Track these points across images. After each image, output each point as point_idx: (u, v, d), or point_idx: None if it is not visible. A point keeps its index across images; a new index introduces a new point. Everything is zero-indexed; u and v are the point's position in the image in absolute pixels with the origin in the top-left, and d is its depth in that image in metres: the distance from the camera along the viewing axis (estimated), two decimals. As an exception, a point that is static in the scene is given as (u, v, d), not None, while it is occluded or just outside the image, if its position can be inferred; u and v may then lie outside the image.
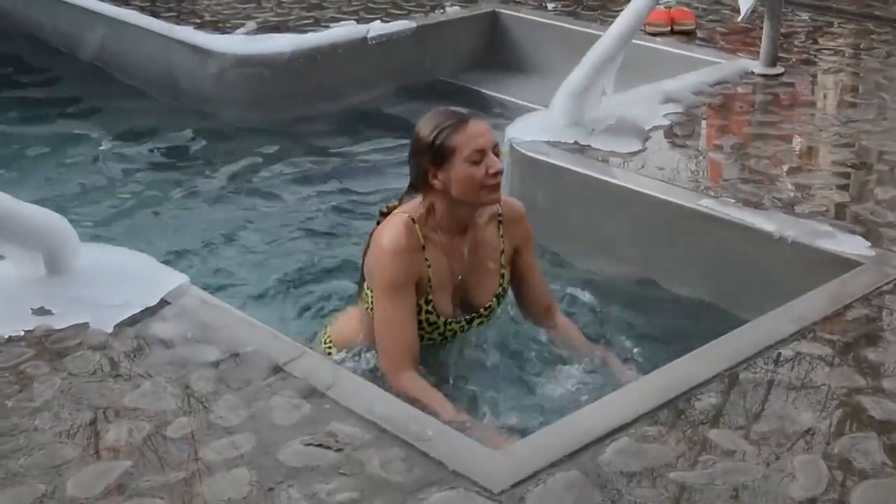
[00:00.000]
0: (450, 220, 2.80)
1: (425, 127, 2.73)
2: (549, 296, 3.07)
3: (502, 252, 2.91)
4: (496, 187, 2.75)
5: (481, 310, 2.90)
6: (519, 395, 2.85)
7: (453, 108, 2.76)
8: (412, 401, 2.61)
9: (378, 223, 2.85)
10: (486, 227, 2.88)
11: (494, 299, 2.92)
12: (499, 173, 2.72)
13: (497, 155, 2.73)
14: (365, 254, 2.87)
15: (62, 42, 6.11)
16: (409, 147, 2.80)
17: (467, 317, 2.89)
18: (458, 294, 2.87)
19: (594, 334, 3.11)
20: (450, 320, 2.84)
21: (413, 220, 2.77)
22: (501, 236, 2.91)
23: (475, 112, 2.75)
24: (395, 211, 2.83)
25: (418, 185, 2.79)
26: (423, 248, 2.77)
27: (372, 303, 2.79)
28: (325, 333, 3.05)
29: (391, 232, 2.75)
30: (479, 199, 2.75)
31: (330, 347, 2.98)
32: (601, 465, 2.18)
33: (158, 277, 2.89)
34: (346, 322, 3.02)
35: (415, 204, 2.82)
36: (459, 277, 2.85)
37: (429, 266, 2.78)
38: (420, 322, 2.79)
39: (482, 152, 2.68)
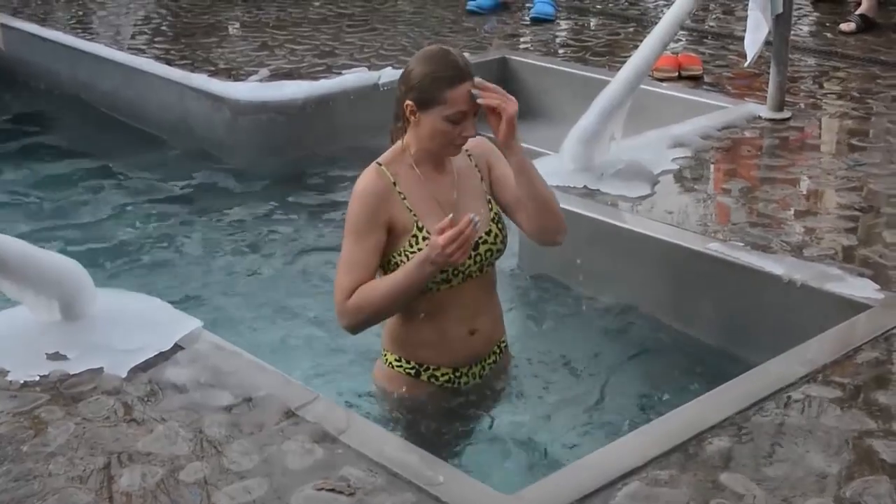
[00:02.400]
0: (423, 154, 2.81)
1: (422, 65, 2.72)
2: None
3: (482, 179, 2.90)
4: (460, 147, 2.79)
5: (483, 235, 2.83)
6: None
7: (454, 53, 2.73)
8: (374, 306, 2.70)
9: None
10: (458, 159, 2.87)
11: (493, 224, 2.86)
12: (468, 138, 2.75)
13: (475, 116, 2.73)
14: None
15: (78, 90, 6.16)
16: (399, 76, 2.79)
17: (471, 243, 2.75)
18: (456, 222, 2.76)
19: (603, 375, 3.10)
20: None
21: (379, 163, 2.81)
22: (475, 166, 2.91)
23: (470, 67, 2.71)
24: (378, 161, 2.84)
25: (398, 113, 2.80)
26: (395, 184, 2.78)
27: (394, 269, 2.79)
28: (382, 351, 3.01)
29: (360, 179, 2.80)
30: (441, 150, 2.79)
31: (386, 356, 2.96)
32: (613, 509, 2.17)
33: (172, 322, 2.90)
34: (392, 319, 2.93)
35: (389, 150, 2.85)
36: (452, 205, 2.81)
37: (404, 198, 2.78)
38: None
39: (464, 114, 2.70)
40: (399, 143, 2.85)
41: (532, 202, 2.82)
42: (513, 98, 2.73)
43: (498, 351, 3.01)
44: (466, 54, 5.77)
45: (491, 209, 2.89)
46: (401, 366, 2.92)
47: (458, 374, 2.92)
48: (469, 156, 2.90)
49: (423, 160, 2.82)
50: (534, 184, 2.81)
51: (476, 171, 2.91)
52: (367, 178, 2.79)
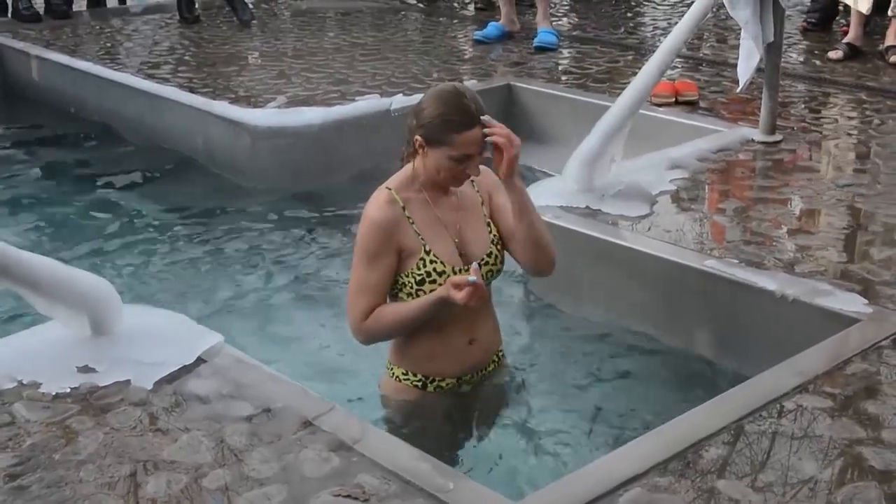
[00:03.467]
0: (429, 180, 2.83)
1: (434, 105, 2.73)
2: None
3: (482, 203, 2.92)
4: (463, 182, 2.82)
5: (484, 256, 2.86)
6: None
7: (468, 97, 2.72)
8: (387, 329, 2.81)
9: None
10: (464, 185, 2.89)
11: (493, 246, 2.89)
12: (473, 176, 2.78)
13: (481, 154, 2.75)
14: None
15: (106, 117, 6.18)
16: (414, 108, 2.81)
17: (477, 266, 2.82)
18: (460, 245, 2.86)
19: (602, 386, 3.10)
20: (458, 268, 2.81)
21: (388, 188, 2.83)
22: (478, 191, 2.93)
23: (482, 111, 2.71)
24: (386, 187, 2.86)
25: (408, 142, 2.82)
26: (404, 208, 2.81)
27: (402, 288, 2.83)
28: (388, 364, 3.02)
29: (370, 204, 2.83)
30: (445, 183, 2.82)
31: (393, 370, 2.97)
32: (614, 514, 2.17)
33: (195, 337, 2.91)
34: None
35: (398, 173, 2.88)
36: (457, 227, 2.85)
37: (412, 223, 2.80)
38: (430, 274, 2.79)
39: (470, 157, 2.73)
40: (409, 167, 2.86)
41: (526, 238, 2.85)
42: (517, 138, 2.73)
43: (496, 360, 3.03)
44: (474, 81, 5.89)
45: (490, 232, 2.91)
46: (408, 378, 2.94)
47: (460, 382, 2.94)
48: (472, 181, 2.91)
49: (430, 186, 2.85)
50: (530, 222, 2.83)
51: (478, 195, 2.93)
52: (379, 205, 2.81)
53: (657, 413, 2.99)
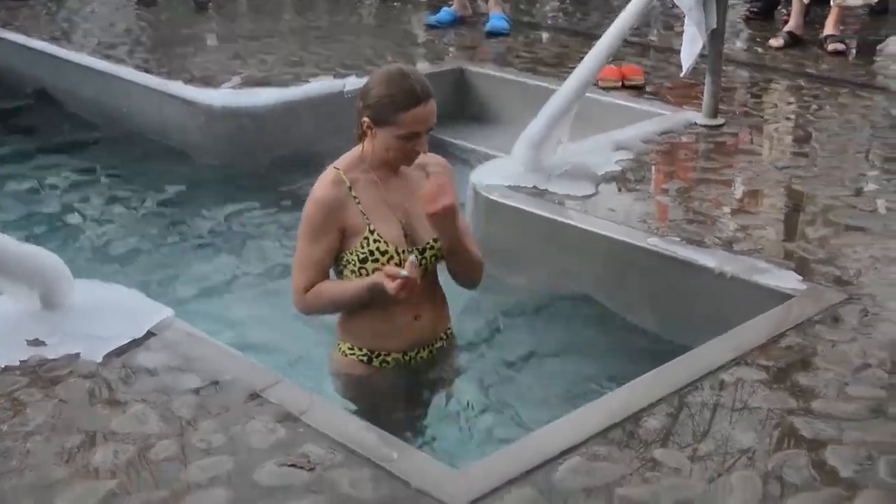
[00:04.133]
0: (378, 161, 2.81)
1: (380, 86, 2.72)
2: (473, 245, 2.95)
3: None
4: (412, 160, 2.80)
5: (430, 241, 2.85)
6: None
7: (413, 77, 2.72)
8: (324, 306, 2.83)
9: None
10: (414, 169, 2.87)
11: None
12: (420, 154, 2.77)
13: (428, 133, 2.75)
14: None
15: (62, 96, 6.09)
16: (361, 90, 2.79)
17: (419, 247, 2.84)
18: (406, 226, 2.84)
19: (547, 360, 3.11)
20: (402, 249, 2.80)
21: (337, 167, 2.82)
22: (428, 178, 2.87)
23: (428, 90, 2.71)
24: (334, 166, 2.85)
25: (357, 127, 2.80)
26: (351, 188, 2.80)
27: (346, 265, 2.82)
28: (336, 341, 3.00)
29: (317, 183, 2.82)
30: (393, 163, 2.81)
31: (339, 345, 2.95)
32: (555, 482, 2.17)
33: (145, 311, 2.86)
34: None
35: (348, 153, 2.86)
36: (405, 209, 2.83)
37: (358, 203, 2.79)
38: (373, 253, 2.78)
39: (416, 134, 2.72)
40: (358, 148, 2.84)
41: (457, 271, 2.94)
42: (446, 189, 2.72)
43: (444, 337, 3.01)
44: (425, 64, 5.85)
45: None
46: (354, 353, 2.92)
47: (406, 357, 2.92)
48: (426, 169, 2.89)
49: (379, 167, 2.83)
50: (463, 260, 2.89)
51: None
52: (325, 185, 2.80)
53: (601, 385, 3.00)
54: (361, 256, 2.78)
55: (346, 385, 2.94)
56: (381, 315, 2.84)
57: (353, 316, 2.90)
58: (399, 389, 2.91)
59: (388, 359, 2.91)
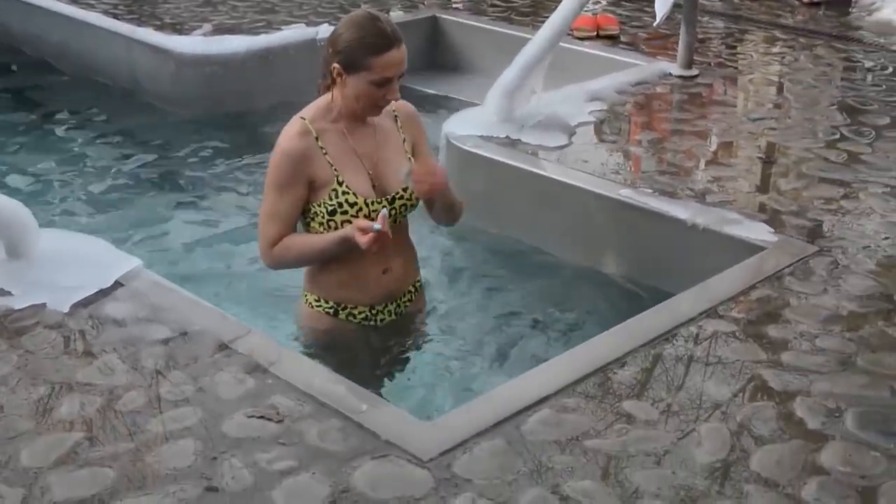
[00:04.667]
0: (347, 110, 2.75)
1: (351, 30, 2.66)
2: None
3: (404, 141, 2.85)
4: (382, 108, 2.75)
5: (400, 191, 2.80)
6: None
7: (382, 20, 2.67)
8: (293, 259, 2.77)
9: None
10: (383, 118, 2.83)
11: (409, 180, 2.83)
12: (392, 100, 2.71)
13: (400, 78, 2.69)
14: None
15: (29, 42, 5.97)
16: (328, 37, 2.72)
17: (388, 197, 2.79)
18: (374, 177, 2.79)
19: (519, 312, 3.10)
20: (371, 200, 2.75)
21: (303, 118, 2.75)
22: (400, 128, 2.86)
23: (399, 34, 2.65)
24: (297, 114, 2.79)
25: (325, 73, 2.74)
26: (318, 139, 2.73)
27: (314, 218, 2.77)
28: (302, 292, 2.96)
29: (284, 133, 2.75)
30: (364, 111, 2.75)
31: (306, 296, 2.91)
32: (524, 434, 2.17)
33: (113, 261, 2.82)
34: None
35: (314, 103, 2.80)
36: (373, 160, 2.79)
37: (326, 154, 2.73)
38: (342, 205, 2.73)
39: (389, 80, 2.65)
40: (325, 98, 2.77)
41: (440, 216, 2.91)
42: (440, 174, 2.72)
43: (413, 290, 2.97)
44: (399, 12, 5.79)
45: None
46: (320, 305, 2.88)
47: (374, 311, 2.88)
48: (395, 115, 2.85)
49: (347, 116, 2.76)
50: (445, 208, 2.86)
51: (399, 131, 2.85)
52: (291, 136, 2.72)
53: (571, 337, 2.99)
54: (330, 209, 2.73)
55: (312, 337, 2.91)
56: (349, 268, 2.80)
57: (320, 268, 2.85)
58: (366, 343, 2.88)
59: (355, 311, 2.87)
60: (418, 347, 2.95)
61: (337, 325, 2.88)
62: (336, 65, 2.67)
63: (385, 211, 2.64)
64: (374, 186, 2.77)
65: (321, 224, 2.76)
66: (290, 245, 2.76)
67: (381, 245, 2.62)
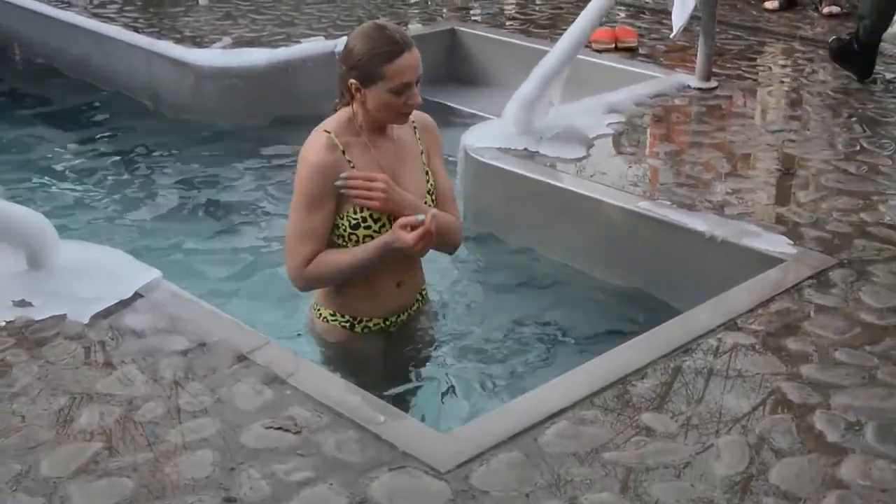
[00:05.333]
0: (369, 123, 2.74)
1: (360, 43, 2.64)
2: (454, 208, 2.91)
3: (421, 152, 2.85)
4: (408, 115, 2.74)
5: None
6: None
7: (390, 28, 2.66)
8: (331, 276, 2.72)
9: None
10: (402, 129, 2.82)
11: (428, 196, 2.83)
12: (415, 106, 2.69)
13: (418, 84, 2.68)
14: None
15: (51, 55, 6.02)
16: (342, 54, 2.71)
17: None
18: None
19: (536, 323, 3.09)
20: (391, 216, 2.72)
21: (328, 131, 2.72)
22: (418, 139, 2.85)
23: (409, 39, 2.64)
24: (317, 127, 2.77)
25: (342, 91, 2.72)
26: (344, 152, 2.71)
27: (334, 231, 2.74)
28: (313, 305, 2.96)
29: (310, 147, 2.71)
30: (389, 121, 2.74)
31: (320, 311, 2.91)
32: (541, 446, 2.16)
33: (132, 272, 2.84)
34: None
35: (332, 117, 2.78)
36: (393, 172, 2.77)
37: (353, 167, 2.71)
38: (365, 220, 2.71)
39: (407, 85, 2.63)
40: (346, 111, 2.75)
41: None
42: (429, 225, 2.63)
43: (420, 298, 2.98)
44: (418, 25, 5.81)
45: (428, 181, 2.84)
46: (336, 319, 2.88)
47: (387, 322, 2.89)
48: (414, 127, 2.84)
49: (371, 129, 2.75)
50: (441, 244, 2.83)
51: (418, 143, 2.85)
52: (318, 150, 2.69)
53: (589, 349, 2.98)
54: (353, 222, 2.71)
55: (328, 351, 2.91)
56: (366, 282, 2.79)
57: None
58: (379, 354, 2.88)
59: (370, 324, 2.87)
60: (434, 358, 2.95)
61: (352, 338, 2.88)
62: (353, 80, 2.66)
63: (434, 210, 2.63)
64: None
65: (340, 237, 2.75)
66: (323, 262, 2.71)
67: (426, 241, 2.60)
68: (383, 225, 2.72)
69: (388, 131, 2.80)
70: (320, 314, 2.90)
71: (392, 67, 2.61)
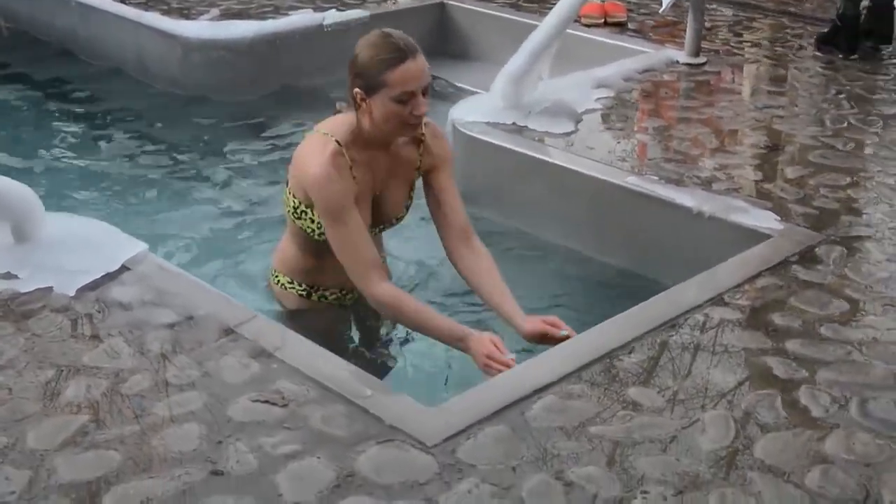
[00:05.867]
0: (375, 138, 2.70)
1: (364, 51, 2.60)
2: (466, 219, 2.87)
3: (418, 168, 2.83)
4: (416, 126, 2.68)
5: (394, 220, 2.86)
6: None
7: (395, 35, 2.60)
8: (400, 318, 2.68)
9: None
10: (406, 145, 2.80)
11: (404, 209, 2.86)
12: (422, 116, 2.63)
13: (425, 94, 2.62)
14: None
15: (37, 27, 5.96)
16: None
17: (378, 228, 2.85)
18: (374, 206, 2.80)
19: (523, 297, 3.07)
20: (366, 225, 2.73)
21: (339, 142, 2.68)
22: (421, 154, 2.82)
23: (414, 46, 2.59)
24: (322, 130, 2.72)
25: (350, 100, 2.68)
26: (351, 168, 2.69)
27: (294, 208, 2.74)
28: (272, 271, 2.97)
29: (322, 158, 2.63)
30: (397, 133, 2.68)
31: (278, 277, 2.92)
32: (528, 420, 2.17)
33: (119, 245, 2.83)
34: (285, 245, 2.94)
35: (340, 123, 2.72)
36: (378, 192, 2.79)
37: (357, 183, 2.70)
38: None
39: (411, 94, 2.58)
40: (349, 120, 2.71)
41: None
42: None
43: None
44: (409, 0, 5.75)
45: (409, 195, 2.87)
46: (293, 287, 2.90)
47: (343, 292, 2.90)
48: (421, 143, 2.81)
49: (371, 142, 2.71)
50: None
51: (417, 160, 2.82)
52: (331, 160, 2.63)
53: (576, 324, 2.98)
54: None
55: (285, 316, 2.92)
56: (326, 256, 2.76)
57: (296, 253, 2.87)
58: (338, 325, 2.90)
59: (326, 293, 2.89)
60: (395, 335, 2.95)
61: (309, 306, 2.90)
62: (357, 90, 2.61)
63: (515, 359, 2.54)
64: (372, 212, 2.80)
65: (311, 230, 2.76)
66: (402, 307, 2.66)
67: (495, 372, 2.50)
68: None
69: (391, 148, 2.76)
70: (278, 280, 2.92)
71: (393, 75, 2.56)
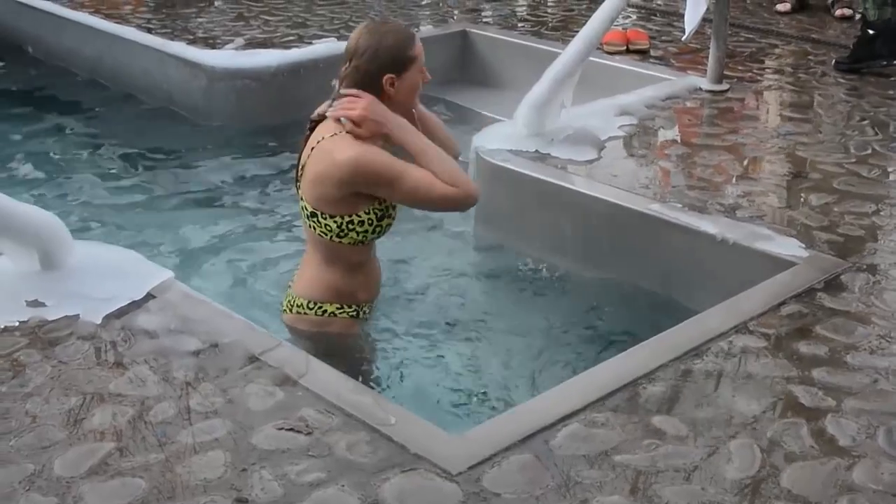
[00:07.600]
0: (404, 109, 2.85)
1: (382, 39, 2.75)
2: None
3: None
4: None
5: (389, 220, 2.92)
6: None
7: (391, 19, 2.81)
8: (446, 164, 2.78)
9: (310, 129, 2.89)
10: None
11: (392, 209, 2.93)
12: (428, 77, 2.88)
13: None
14: (299, 176, 2.87)
15: (64, 56, 6.04)
16: (362, 57, 2.76)
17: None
18: None
19: (548, 325, 3.10)
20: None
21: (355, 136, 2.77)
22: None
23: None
24: (339, 132, 2.77)
25: (373, 92, 2.76)
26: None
27: (357, 227, 2.79)
28: (304, 304, 2.96)
29: (353, 142, 2.73)
30: (412, 101, 2.88)
31: (300, 307, 2.94)
32: (553, 448, 2.16)
33: (145, 273, 2.85)
34: (305, 271, 2.98)
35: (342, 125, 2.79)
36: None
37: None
38: (387, 209, 2.83)
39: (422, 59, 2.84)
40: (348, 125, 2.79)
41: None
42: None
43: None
44: (429, 27, 5.82)
45: None
46: (343, 312, 2.93)
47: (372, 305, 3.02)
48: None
49: (404, 113, 2.85)
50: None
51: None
52: (356, 142, 2.73)
53: (600, 352, 2.98)
54: (379, 214, 2.81)
55: (340, 346, 2.95)
56: (366, 269, 2.93)
57: (342, 276, 2.90)
58: (371, 342, 2.99)
59: (367, 308, 2.97)
60: (444, 359, 2.96)
61: (354, 328, 2.95)
62: (388, 75, 2.75)
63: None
64: None
65: (365, 232, 2.81)
66: (439, 165, 2.77)
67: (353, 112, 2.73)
68: (392, 217, 2.80)
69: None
70: (323, 310, 2.92)
71: (416, 48, 2.80)
